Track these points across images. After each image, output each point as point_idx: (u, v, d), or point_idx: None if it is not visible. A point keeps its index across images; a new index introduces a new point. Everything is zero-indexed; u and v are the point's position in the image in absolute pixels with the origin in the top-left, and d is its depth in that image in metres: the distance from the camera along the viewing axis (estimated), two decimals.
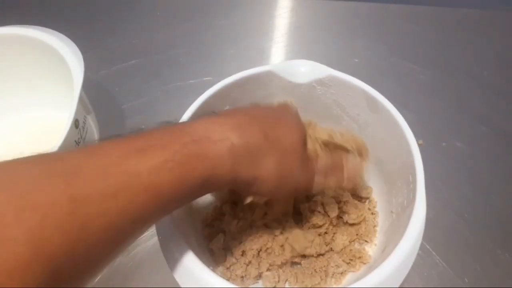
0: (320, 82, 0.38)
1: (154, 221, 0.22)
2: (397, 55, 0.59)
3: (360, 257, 0.35)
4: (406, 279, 0.26)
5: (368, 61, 0.59)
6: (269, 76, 0.38)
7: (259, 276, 0.35)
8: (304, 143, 0.30)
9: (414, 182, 0.31)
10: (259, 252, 0.35)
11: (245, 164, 0.25)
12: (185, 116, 0.34)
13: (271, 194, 0.29)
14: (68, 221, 0.17)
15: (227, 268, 0.35)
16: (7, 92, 0.49)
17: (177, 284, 0.25)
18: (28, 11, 0.67)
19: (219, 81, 0.37)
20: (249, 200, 0.28)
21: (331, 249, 0.36)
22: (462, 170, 0.46)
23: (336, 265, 0.35)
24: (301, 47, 0.61)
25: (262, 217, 0.36)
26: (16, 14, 0.66)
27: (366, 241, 0.37)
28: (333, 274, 0.35)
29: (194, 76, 0.57)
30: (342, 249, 0.36)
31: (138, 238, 0.41)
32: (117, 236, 0.19)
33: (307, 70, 0.38)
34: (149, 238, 0.41)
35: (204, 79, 0.57)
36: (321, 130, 0.36)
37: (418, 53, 0.60)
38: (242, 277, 0.34)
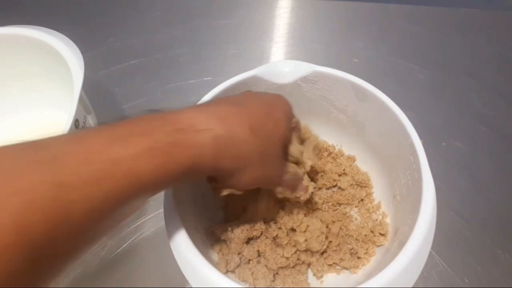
0: (305, 79, 0.38)
1: (138, 203, 0.22)
2: (397, 55, 0.59)
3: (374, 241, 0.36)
4: None
5: (368, 61, 0.59)
6: (255, 81, 0.38)
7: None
8: (284, 142, 0.30)
9: (416, 162, 0.31)
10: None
11: (227, 156, 0.25)
12: None
13: (248, 187, 0.28)
14: (51, 207, 0.17)
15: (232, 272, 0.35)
16: (7, 92, 0.49)
17: (178, 284, 0.25)
18: (28, 11, 0.67)
19: (219, 81, 0.37)
20: (225, 192, 0.28)
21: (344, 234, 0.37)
22: (462, 170, 0.46)
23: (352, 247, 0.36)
24: (301, 47, 0.61)
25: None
26: (16, 14, 0.66)
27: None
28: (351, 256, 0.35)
29: (194, 76, 0.57)
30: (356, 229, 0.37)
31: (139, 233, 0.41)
32: (99, 220, 0.19)
33: (290, 70, 0.38)
34: (149, 238, 0.41)
35: (204, 79, 0.57)
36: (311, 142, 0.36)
37: (418, 53, 0.60)
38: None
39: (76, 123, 0.36)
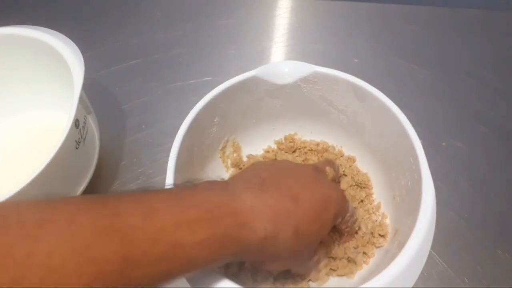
0: (305, 80, 0.38)
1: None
2: (397, 55, 0.59)
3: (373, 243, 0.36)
4: None
5: (368, 61, 0.59)
6: (255, 81, 0.38)
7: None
8: (329, 228, 0.31)
9: (416, 163, 0.31)
10: None
11: (266, 254, 0.26)
12: (178, 139, 0.33)
13: (291, 260, 0.30)
14: (117, 279, 0.18)
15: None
16: (7, 92, 0.49)
17: (177, 284, 0.25)
18: (28, 11, 0.67)
19: (219, 81, 0.37)
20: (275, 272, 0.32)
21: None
22: (462, 170, 0.46)
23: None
24: (301, 47, 0.61)
25: None
26: (16, 14, 0.66)
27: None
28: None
29: (194, 76, 0.57)
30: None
31: None
32: None
33: (290, 70, 0.38)
34: None
35: (204, 79, 0.57)
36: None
37: (418, 53, 0.60)
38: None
39: (76, 123, 0.36)
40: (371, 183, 0.40)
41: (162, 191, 0.24)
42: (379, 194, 0.40)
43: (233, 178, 0.29)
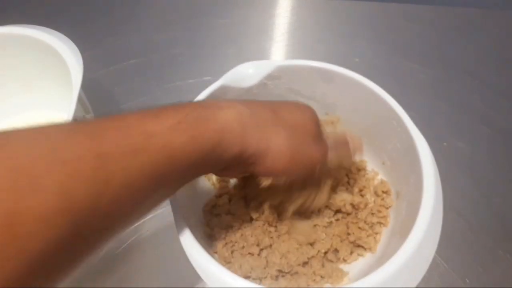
0: (270, 76, 0.38)
1: (170, 186, 0.24)
2: (397, 54, 0.59)
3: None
4: None
5: (368, 61, 0.59)
6: (223, 90, 0.37)
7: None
8: (316, 122, 0.30)
9: (401, 124, 0.32)
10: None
11: (253, 134, 0.25)
12: None
13: (286, 171, 0.27)
14: (93, 176, 0.18)
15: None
16: (6, 92, 0.49)
17: (178, 284, 0.25)
18: (28, 11, 0.67)
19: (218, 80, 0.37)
20: (266, 182, 0.27)
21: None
22: (463, 169, 0.46)
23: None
24: (301, 47, 0.61)
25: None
26: (16, 14, 0.66)
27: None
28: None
29: (194, 75, 0.57)
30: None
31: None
32: (136, 194, 0.20)
33: (254, 71, 0.38)
34: (150, 235, 0.41)
35: (204, 78, 0.56)
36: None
37: (419, 53, 0.59)
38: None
39: None
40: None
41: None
42: (368, 164, 0.40)
43: None
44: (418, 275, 0.26)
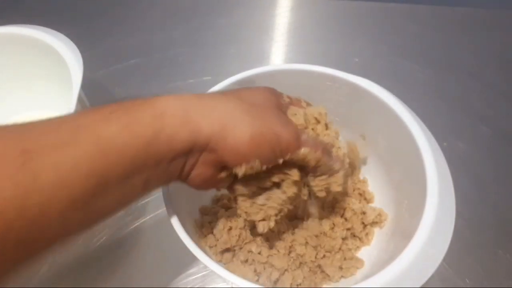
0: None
1: (117, 188, 0.20)
2: (397, 54, 0.59)
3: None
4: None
5: (368, 61, 0.59)
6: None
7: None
8: (276, 103, 0.27)
9: (385, 107, 0.33)
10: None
11: (203, 115, 0.22)
12: None
13: (253, 150, 0.24)
14: (19, 173, 0.16)
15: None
16: (6, 92, 0.49)
17: (178, 284, 0.25)
18: (28, 11, 0.67)
19: (218, 80, 0.37)
20: (240, 170, 0.24)
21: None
22: (464, 170, 0.46)
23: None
24: (301, 47, 0.61)
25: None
26: (16, 14, 0.66)
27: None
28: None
29: (194, 75, 0.57)
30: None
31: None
32: (73, 194, 0.18)
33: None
34: (151, 235, 0.41)
35: (204, 78, 0.56)
36: (313, 108, 0.31)
37: (419, 52, 0.59)
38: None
39: None
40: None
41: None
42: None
43: None
44: (424, 275, 0.26)
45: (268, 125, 0.24)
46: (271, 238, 0.35)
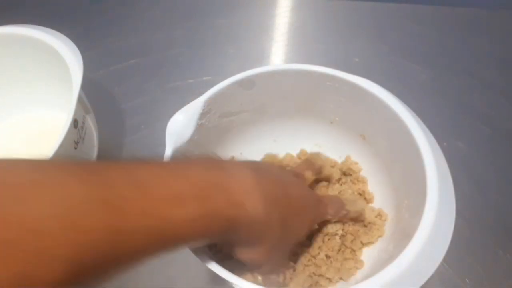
0: (202, 115, 0.36)
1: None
2: (397, 54, 0.59)
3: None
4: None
5: (369, 61, 0.59)
6: (176, 151, 0.34)
7: None
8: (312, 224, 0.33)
9: (385, 107, 0.34)
10: None
11: (252, 238, 0.26)
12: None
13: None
14: (104, 252, 0.18)
15: None
16: (6, 92, 0.49)
17: (179, 285, 0.25)
18: (27, 11, 0.67)
19: (218, 80, 0.37)
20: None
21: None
22: (464, 170, 0.46)
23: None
24: (301, 47, 0.61)
25: None
26: (16, 14, 0.66)
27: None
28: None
29: (194, 75, 0.57)
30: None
31: None
32: (136, 265, 0.20)
33: (185, 118, 0.35)
34: None
35: (204, 78, 0.56)
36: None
37: (419, 53, 0.59)
38: None
39: (75, 123, 0.36)
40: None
41: (155, 164, 0.24)
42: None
43: (228, 160, 0.30)
44: (424, 275, 0.26)
45: (293, 234, 0.31)
46: None
